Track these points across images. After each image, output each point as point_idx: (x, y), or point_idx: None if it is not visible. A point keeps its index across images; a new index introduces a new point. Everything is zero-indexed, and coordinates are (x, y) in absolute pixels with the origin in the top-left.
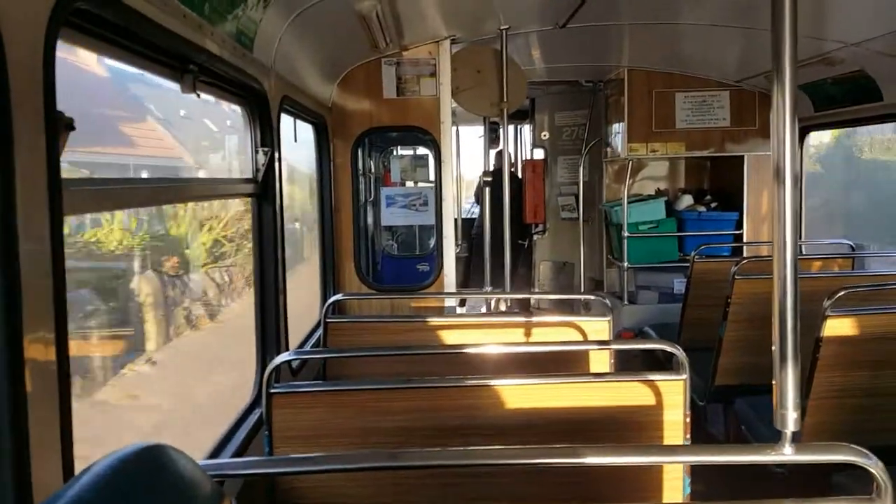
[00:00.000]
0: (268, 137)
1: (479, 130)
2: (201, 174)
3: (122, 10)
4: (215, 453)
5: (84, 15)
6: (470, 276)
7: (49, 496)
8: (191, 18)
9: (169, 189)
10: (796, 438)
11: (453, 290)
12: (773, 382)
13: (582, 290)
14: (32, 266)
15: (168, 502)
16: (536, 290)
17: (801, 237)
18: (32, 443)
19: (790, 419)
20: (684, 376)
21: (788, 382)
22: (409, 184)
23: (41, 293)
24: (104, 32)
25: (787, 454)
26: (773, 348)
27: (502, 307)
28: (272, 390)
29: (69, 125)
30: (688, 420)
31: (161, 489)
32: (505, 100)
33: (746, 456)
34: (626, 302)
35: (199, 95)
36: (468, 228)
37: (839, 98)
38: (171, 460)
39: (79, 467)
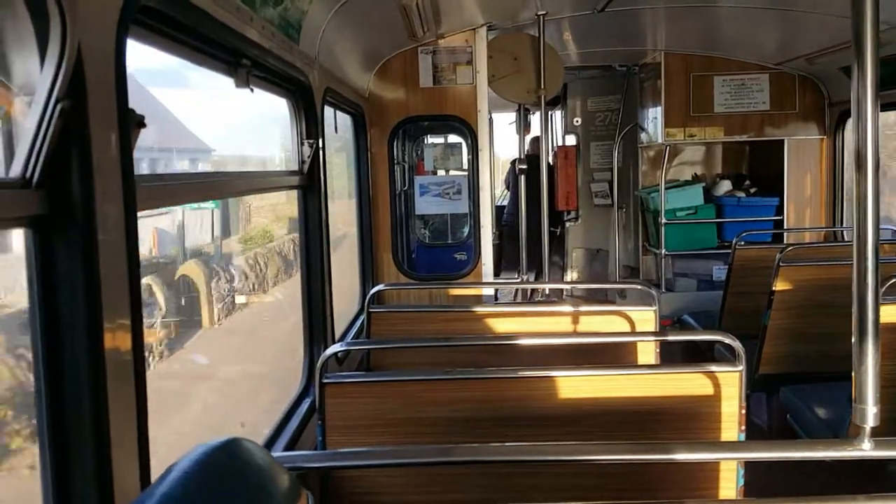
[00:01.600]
0: (312, 129)
1: (509, 117)
2: None
3: (182, 5)
4: (269, 443)
5: (148, 12)
6: (501, 264)
7: (139, 495)
8: (243, 11)
9: (224, 182)
10: (873, 431)
11: (491, 278)
12: (853, 376)
13: (617, 277)
14: (110, 261)
15: (253, 494)
16: (569, 277)
17: (842, 223)
18: (113, 443)
19: (870, 414)
20: (741, 367)
21: (868, 377)
22: (441, 172)
23: (119, 290)
24: (166, 28)
25: (866, 450)
26: (853, 341)
27: (536, 295)
28: (325, 381)
29: (140, 122)
30: (743, 412)
31: (245, 483)
32: (542, 86)
33: (825, 452)
34: (663, 290)
35: (252, 90)
36: (498, 216)
37: (886, 80)
38: (250, 454)
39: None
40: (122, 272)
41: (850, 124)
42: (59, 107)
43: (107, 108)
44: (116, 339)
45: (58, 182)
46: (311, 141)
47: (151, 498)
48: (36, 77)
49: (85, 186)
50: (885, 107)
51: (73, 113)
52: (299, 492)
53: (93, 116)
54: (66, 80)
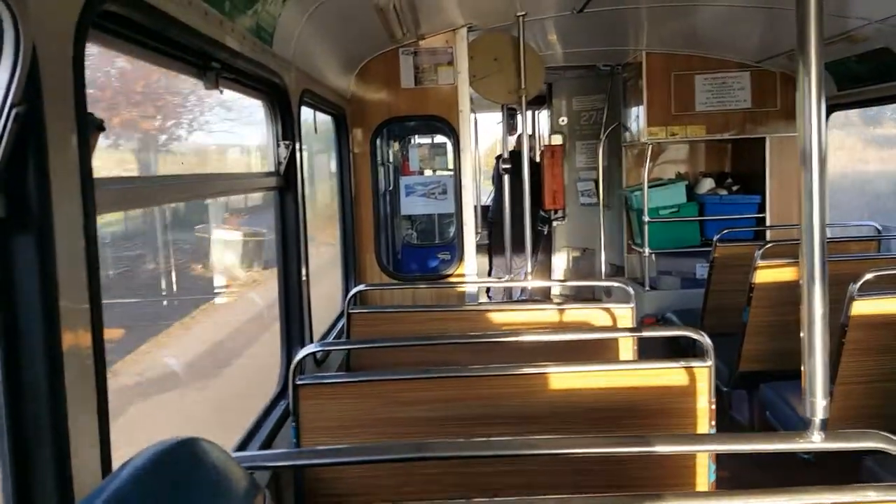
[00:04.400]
0: (289, 131)
1: (496, 117)
2: None
3: (147, 10)
4: (244, 444)
5: (110, 17)
6: (489, 264)
7: (91, 491)
8: (212, 16)
9: (195, 185)
10: (824, 424)
11: (475, 278)
12: (802, 369)
13: (602, 276)
14: (68, 264)
15: (207, 494)
16: (556, 277)
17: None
18: (72, 438)
19: (819, 407)
20: (709, 363)
21: (817, 369)
22: (428, 172)
23: (77, 290)
24: (130, 33)
25: (816, 442)
26: (802, 335)
27: (523, 294)
28: (298, 382)
29: (100, 126)
30: (713, 407)
31: (200, 481)
32: (523, 86)
33: (775, 444)
34: (647, 288)
35: (221, 91)
36: (484, 215)
37: (863, 76)
38: (206, 453)
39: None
40: (81, 274)
41: (832, 121)
42: (14, 111)
43: (64, 112)
44: (76, 338)
45: (15, 185)
46: (288, 142)
47: (103, 493)
48: None
49: (42, 190)
50: (864, 103)
51: (30, 117)
52: (256, 490)
53: (50, 121)
54: (21, 85)
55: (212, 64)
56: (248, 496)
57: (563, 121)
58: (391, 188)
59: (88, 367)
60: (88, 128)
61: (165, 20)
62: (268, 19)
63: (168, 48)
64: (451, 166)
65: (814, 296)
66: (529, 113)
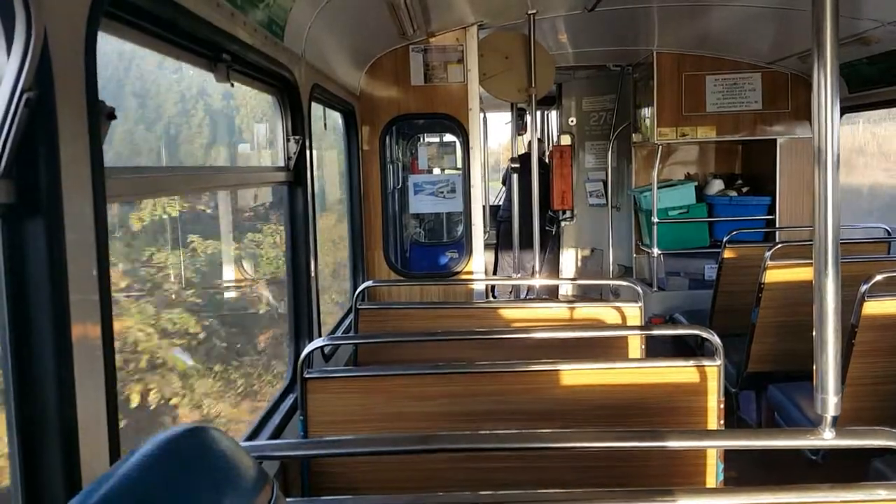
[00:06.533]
0: (299, 126)
1: (506, 116)
2: None
3: (158, 0)
4: (252, 436)
5: (122, 5)
6: (497, 264)
7: (99, 476)
8: (223, 7)
9: (204, 177)
10: (835, 421)
11: (482, 276)
12: (814, 367)
13: (611, 276)
14: (78, 252)
15: (215, 482)
16: (564, 276)
17: None
18: (80, 425)
19: (831, 403)
20: (719, 362)
21: (829, 366)
22: (437, 171)
23: (86, 278)
24: (141, 22)
25: (827, 439)
26: (814, 333)
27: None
28: (306, 375)
29: (111, 114)
30: (722, 406)
31: (208, 469)
32: (533, 85)
33: (786, 440)
34: (655, 288)
35: (232, 84)
36: (493, 215)
37: (875, 79)
38: (215, 441)
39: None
40: (91, 261)
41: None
42: (25, 97)
43: (75, 99)
44: (85, 325)
45: (25, 172)
46: (298, 137)
47: (111, 479)
48: (3, 67)
49: (52, 177)
50: (875, 105)
51: (40, 104)
52: (265, 480)
53: (60, 108)
54: (33, 71)
55: (223, 56)
56: (257, 485)
57: (572, 121)
58: (400, 186)
59: (97, 354)
60: (99, 115)
61: (177, 10)
62: (279, 13)
63: (179, 39)
64: (459, 165)
65: (826, 291)
66: (539, 113)
